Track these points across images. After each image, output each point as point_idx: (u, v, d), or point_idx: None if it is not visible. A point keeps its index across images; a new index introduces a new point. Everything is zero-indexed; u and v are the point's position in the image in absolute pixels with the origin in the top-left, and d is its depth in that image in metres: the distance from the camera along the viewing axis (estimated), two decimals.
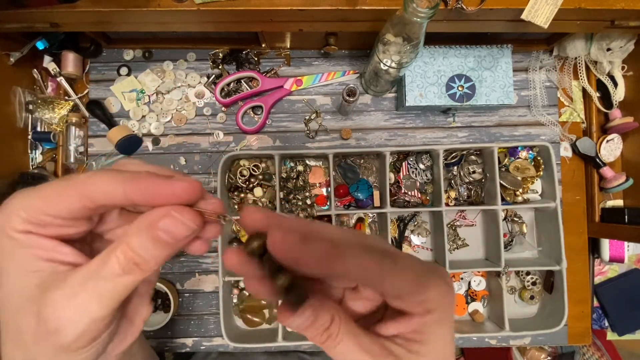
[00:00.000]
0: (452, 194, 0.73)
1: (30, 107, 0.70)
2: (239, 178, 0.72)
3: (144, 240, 0.19)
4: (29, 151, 0.72)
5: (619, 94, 0.74)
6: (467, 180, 0.74)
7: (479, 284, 0.74)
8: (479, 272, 0.74)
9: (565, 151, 0.77)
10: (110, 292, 0.19)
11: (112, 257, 0.19)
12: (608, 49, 0.70)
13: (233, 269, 0.20)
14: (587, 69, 0.74)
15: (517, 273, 0.75)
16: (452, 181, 0.74)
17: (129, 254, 0.19)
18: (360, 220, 0.75)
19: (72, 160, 0.72)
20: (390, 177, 0.73)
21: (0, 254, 0.19)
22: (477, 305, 0.74)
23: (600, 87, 0.75)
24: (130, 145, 0.72)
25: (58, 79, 0.72)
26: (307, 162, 0.74)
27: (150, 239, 0.19)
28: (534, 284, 0.74)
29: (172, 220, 0.19)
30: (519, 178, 0.72)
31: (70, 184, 0.19)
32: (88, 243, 0.23)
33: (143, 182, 0.19)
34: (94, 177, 0.20)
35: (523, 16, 0.53)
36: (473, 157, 0.74)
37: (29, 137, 0.72)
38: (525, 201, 0.73)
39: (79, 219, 0.21)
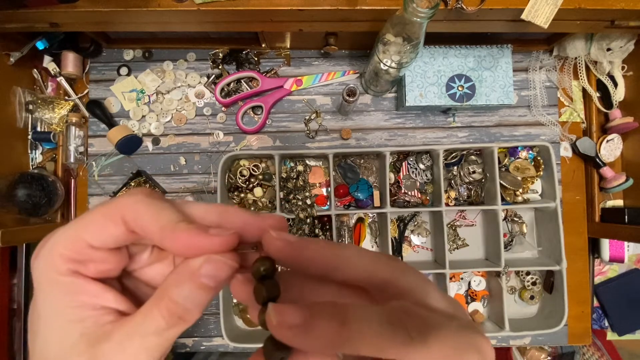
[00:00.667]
0: (452, 194, 0.73)
1: (30, 107, 0.70)
2: (239, 178, 0.72)
3: (186, 291, 0.19)
4: (29, 151, 0.72)
5: (619, 94, 0.74)
6: (467, 180, 0.74)
7: (479, 284, 0.74)
8: (479, 272, 0.74)
9: (565, 151, 0.77)
10: (157, 345, 0.19)
11: (156, 312, 0.18)
12: (608, 49, 0.70)
13: (240, 300, 0.20)
14: (587, 69, 0.74)
15: (517, 273, 0.75)
16: (452, 181, 0.74)
17: (172, 309, 0.18)
18: (360, 220, 0.75)
19: (72, 160, 0.72)
20: (390, 177, 0.73)
21: (42, 300, 0.19)
22: (477, 305, 0.74)
23: (600, 87, 0.75)
24: (130, 145, 0.72)
25: (58, 79, 0.72)
26: (307, 162, 0.74)
27: (194, 288, 0.19)
28: (534, 284, 0.73)
29: (215, 264, 0.19)
30: (519, 178, 0.72)
31: (112, 207, 0.19)
32: (118, 280, 0.23)
33: (180, 235, 0.19)
34: (137, 204, 0.19)
35: (523, 16, 0.53)
36: (473, 157, 0.74)
37: (29, 137, 0.72)
38: (525, 201, 0.73)
39: (119, 252, 0.21)
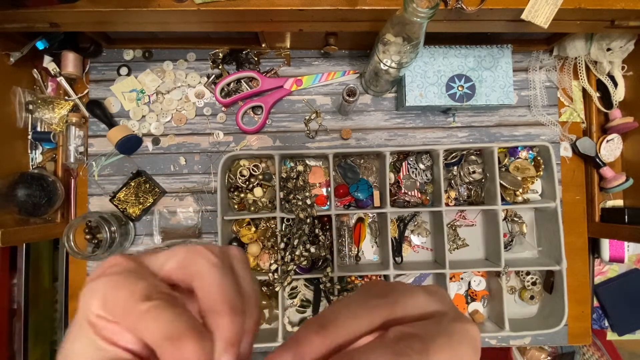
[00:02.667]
0: (452, 194, 0.73)
1: (30, 107, 0.70)
2: (239, 178, 0.72)
3: None
4: (29, 151, 0.72)
5: (619, 94, 0.74)
6: (467, 180, 0.74)
7: (479, 284, 0.74)
8: (479, 272, 0.74)
9: (565, 151, 0.77)
10: None
11: None
12: (608, 49, 0.70)
13: None
14: (587, 69, 0.74)
15: (517, 273, 0.75)
16: (452, 181, 0.74)
17: None
18: (360, 220, 0.75)
19: (72, 160, 0.72)
20: (390, 177, 0.73)
21: (77, 329, 0.20)
22: (477, 305, 0.74)
23: (600, 87, 0.75)
24: (130, 145, 0.72)
25: (58, 79, 0.72)
26: (307, 162, 0.74)
27: None
28: (534, 284, 0.73)
29: None
30: (519, 178, 0.72)
31: (129, 315, 0.19)
32: None
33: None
34: (150, 314, 0.18)
35: (523, 16, 0.53)
36: (473, 157, 0.74)
37: (29, 137, 0.72)
38: (525, 201, 0.73)
39: None
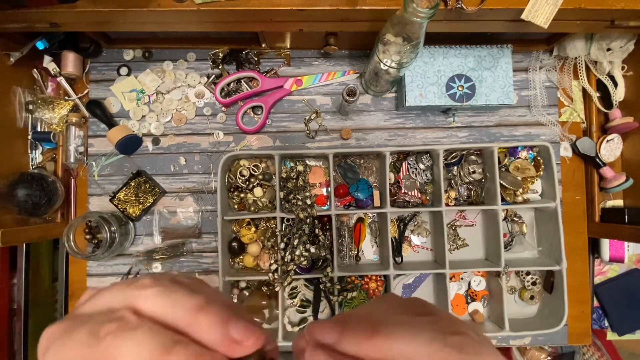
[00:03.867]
0: (452, 194, 0.73)
1: (30, 107, 0.70)
2: (239, 178, 0.72)
3: None
4: (29, 151, 0.72)
5: (619, 94, 0.74)
6: (467, 180, 0.74)
7: (479, 284, 0.74)
8: (479, 272, 0.74)
9: (565, 151, 0.77)
10: None
11: None
12: (608, 49, 0.70)
13: None
14: (587, 69, 0.74)
15: (517, 273, 0.75)
16: (452, 181, 0.74)
17: None
18: (360, 220, 0.75)
19: (72, 160, 0.72)
20: (390, 177, 0.73)
21: None
22: (477, 305, 0.74)
23: (600, 87, 0.75)
24: (130, 145, 0.72)
25: (58, 79, 0.72)
26: (307, 162, 0.74)
27: None
28: (534, 284, 0.73)
29: None
30: (519, 178, 0.72)
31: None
32: None
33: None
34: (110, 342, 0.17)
35: (523, 16, 0.53)
36: (473, 157, 0.74)
37: (29, 137, 0.72)
38: (525, 201, 0.73)
39: None
